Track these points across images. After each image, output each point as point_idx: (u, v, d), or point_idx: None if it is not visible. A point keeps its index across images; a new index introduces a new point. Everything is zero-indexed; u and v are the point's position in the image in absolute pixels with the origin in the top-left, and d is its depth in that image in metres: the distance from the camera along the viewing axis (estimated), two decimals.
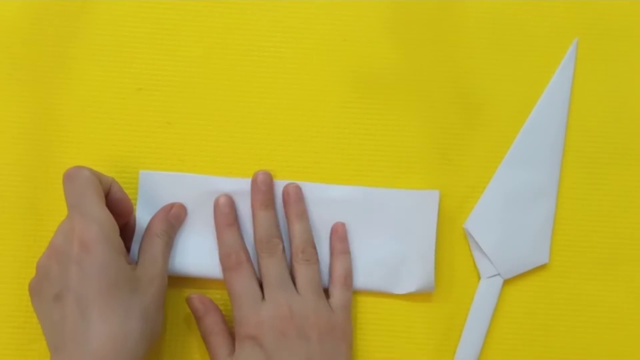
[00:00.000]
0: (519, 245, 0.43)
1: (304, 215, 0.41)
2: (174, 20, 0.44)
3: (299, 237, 0.41)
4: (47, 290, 0.36)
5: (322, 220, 0.42)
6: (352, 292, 0.42)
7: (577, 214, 0.44)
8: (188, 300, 0.40)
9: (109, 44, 0.44)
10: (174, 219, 0.41)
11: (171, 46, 0.44)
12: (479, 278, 0.43)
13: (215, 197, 0.42)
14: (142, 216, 0.42)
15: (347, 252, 0.42)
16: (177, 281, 0.42)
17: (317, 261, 0.41)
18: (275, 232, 0.41)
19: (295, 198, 0.42)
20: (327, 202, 0.43)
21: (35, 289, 0.37)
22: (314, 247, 0.41)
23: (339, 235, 0.42)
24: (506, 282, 0.43)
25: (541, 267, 0.43)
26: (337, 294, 0.40)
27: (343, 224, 0.42)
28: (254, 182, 0.42)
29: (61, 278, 0.35)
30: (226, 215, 0.41)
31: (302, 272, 0.40)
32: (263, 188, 0.41)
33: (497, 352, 0.42)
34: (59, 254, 0.36)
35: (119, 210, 0.39)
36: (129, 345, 0.35)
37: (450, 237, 0.43)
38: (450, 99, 0.44)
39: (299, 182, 0.43)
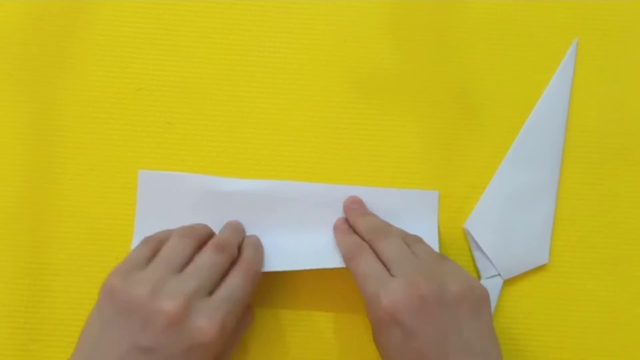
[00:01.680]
0: (519, 245, 0.43)
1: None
2: (174, 20, 0.44)
3: (400, 231, 0.40)
4: (131, 337, 0.33)
5: (322, 220, 0.42)
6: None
7: (577, 214, 0.44)
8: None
9: (109, 44, 0.44)
10: (254, 246, 0.40)
11: (171, 46, 0.44)
12: (479, 278, 0.43)
13: (214, 197, 0.42)
14: (142, 216, 0.42)
15: (369, 213, 0.42)
16: None
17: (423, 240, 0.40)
18: (382, 224, 0.40)
19: (359, 202, 0.42)
20: (328, 202, 0.43)
21: (108, 317, 0.34)
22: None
23: (351, 203, 0.42)
24: (506, 282, 0.43)
25: (541, 267, 0.43)
26: (421, 247, 0.38)
27: (351, 197, 0.42)
28: (346, 207, 0.42)
29: (155, 342, 0.33)
30: (343, 222, 0.42)
31: (418, 247, 0.38)
32: (354, 206, 0.42)
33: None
34: (166, 323, 0.33)
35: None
36: None
37: (450, 237, 0.43)
38: (450, 99, 0.44)
39: (299, 182, 0.43)
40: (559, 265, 0.43)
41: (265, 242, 0.41)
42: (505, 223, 0.43)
